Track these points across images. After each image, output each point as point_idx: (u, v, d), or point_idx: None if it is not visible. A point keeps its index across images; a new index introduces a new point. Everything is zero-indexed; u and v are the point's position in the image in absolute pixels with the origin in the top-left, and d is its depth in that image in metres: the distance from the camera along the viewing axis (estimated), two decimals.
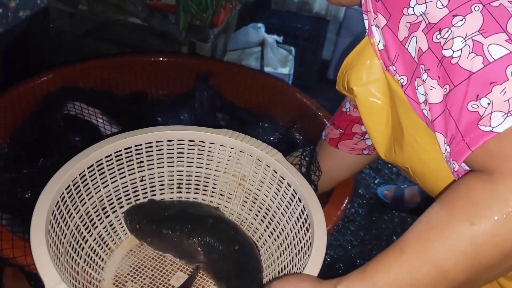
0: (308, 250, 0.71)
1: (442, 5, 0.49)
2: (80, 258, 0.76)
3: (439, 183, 0.63)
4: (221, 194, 0.93)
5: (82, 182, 0.77)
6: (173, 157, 0.89)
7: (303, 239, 0.74)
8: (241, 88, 1.38)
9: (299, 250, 0.75)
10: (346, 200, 1.01)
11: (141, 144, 0.85)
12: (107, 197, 0.84)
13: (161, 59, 1.38)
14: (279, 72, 1.93)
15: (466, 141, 0.47)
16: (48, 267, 0.59)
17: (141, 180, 0.88)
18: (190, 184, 0.93)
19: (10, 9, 0.50)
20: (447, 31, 0.48)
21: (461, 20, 0.48)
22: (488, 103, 0.45)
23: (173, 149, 0.88)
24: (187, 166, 0.91)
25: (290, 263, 0.77)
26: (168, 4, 1.52)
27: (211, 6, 1.44)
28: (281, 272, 0.78)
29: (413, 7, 0.52)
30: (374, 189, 1.99)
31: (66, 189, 0.73)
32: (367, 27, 0.60)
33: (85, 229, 0.79)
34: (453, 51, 0.48)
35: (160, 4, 1.52)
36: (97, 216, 0.82)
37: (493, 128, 0.45)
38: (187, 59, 1.44)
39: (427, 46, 0.50)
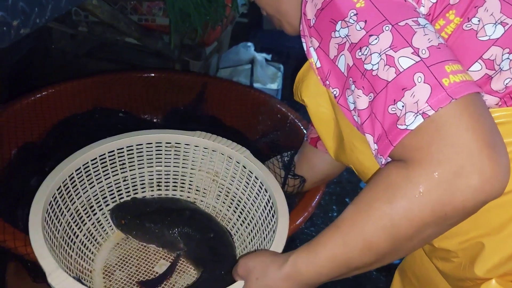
0: (274, 233, 0.81)
1: (360, 28, 0.58)
2: (73, 251, 0.85)
3: None
4: (197, 190, 1.03)
5: (71, 184, 0.86)
6: (152, 158, 0.99)
7: (270, 224, 0.85)
8: (231, 101, 1.47)
9: (266, 234, 0.85)
10: (321, 190, 1.10)
11: (123, 148, 0.94)
12: (94, 196, 0.93)
13: (152, 75, 1.47)
14: (268, 88, 2.04)
15: (389, 139, 0.55)
16: (46, 256, 0.68)
17: (124, 180, 0.98)
18: (169, 182, 1.02)
19: (13, 27, 0.58)
20: (366, 49, 0.57)
21: (376, 39, 0.56)
22: (403, 106, 0.53)
23: (152, 151, 0.98)
24: (165, 166, 1.00)
25: (260, 246, 0.87)
26: (162, 24, 1.63)
27: (200, 27, 1.54)
28: None
29: (338, 31, 0.60)
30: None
31: (57, 190, 0.82)
32: (305, 49, 0.69)
33: (76, 225, 0.88)
34: (372, 64, 0.56)
35: (155, 25, 1.63)
36: (86, 214, 0.91)
37: (407, 126, 0.53)
38: (177, 75, 1.53)
39: (352, 62, 0.59)
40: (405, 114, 0.53)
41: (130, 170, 0.98)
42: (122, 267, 0.90)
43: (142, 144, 0.96)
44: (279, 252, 0.72)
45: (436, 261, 0.75)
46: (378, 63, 0.56)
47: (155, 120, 1.44)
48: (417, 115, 0.53)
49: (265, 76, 2.08)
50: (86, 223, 0.91)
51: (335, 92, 0.66)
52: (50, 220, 0.79)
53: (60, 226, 0.83)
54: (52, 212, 0.80)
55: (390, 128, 0.55)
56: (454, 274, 0.72)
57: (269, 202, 0.87)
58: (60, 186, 0.83)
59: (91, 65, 1.70)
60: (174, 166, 1.01)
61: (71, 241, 0.85)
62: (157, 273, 0.90)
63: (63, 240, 0.83)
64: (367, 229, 0.56)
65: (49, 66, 1.66)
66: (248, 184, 0.94)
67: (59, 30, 1.63)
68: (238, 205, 0.97)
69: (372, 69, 0.56)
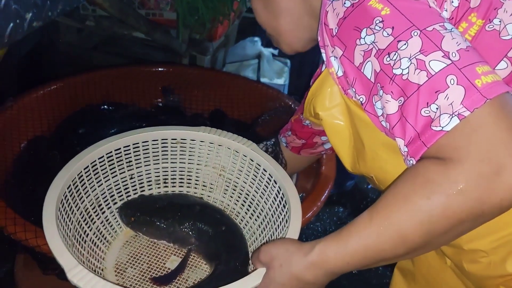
0: (286, 222, 0.81)
1: (388, 34, 0.59)
2: (84, 250, 0.84)
3: None
4: (204, 185, 1.03)
5: (80, 182, 0.86)
6: (158, 155, 0.99)
7: (281, 215, 0.85)
8: (238, 95, 1.48)
9: (278, 225, 0.86)
10: (329, 185, 1.11)
11: (129, 145, 0.94)
12: (102, 195, 0.92)
13: (160, 69, 1.47)
14: (275, 83, 2.05)
15: (422, 140, 0.56)
16: (65, 253, 0.68)
17: (131, 178, 0.97)
18: (175, 178, 1.02)
19: (26, 20, 0.59)
20: (395, 54, 0.58)
21: (405, 44, 0.57)
22: (437, 108, 0.54)
23: (158, 147, 0.98)
24: (171, 162, 1.00)
25: (271, 238, 0.87)
26: (169, 19, 1.63)
27: (208, 21, 1.54)
28: None
29: (364, 38, 0.61)
30: (370, 194, 2.11)
31: (67, 188, 0.82)
32: (325, 59, 0.70)
33: (86, 224, 0.87)
34: (402, 69, 0.57)
35: (162, 19, 1.63)
36: (94, 212, 0.90)
37: (442, 127, 0.54)
38: (185, 69, 1.54)
39: (379, 68, 0.60)
40: (439, 116, 0.54)
41: (136, 168, 0.97)
42: (134, 264, 0.90)
43: (148, 141, 0.96)
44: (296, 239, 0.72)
45: (462, 264, 0.75)
46: (408, 67, 0.57)
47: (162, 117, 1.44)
48: (452, 117, 0.54)
49: (271, 71, 2.08)
50: (95, 222, 0.90)
51: (361, 99, 0.66)
52: (62, 218, 0.78)
53: (71, 224, 0.82)
54: (64, 210, 0.80)
55: (423, 130, 0.56)
56: (481, 274, 0.73)
57: (279, 194, 0.88)
58: (70, 185, 0.83)
59: (98, 59, 1.69)
60: (180, 162, 1.01)
61: (82, 240, 0.85)
62: (169, 269, 0.90)
63: (74, 239, 0.82)
64: (403, 222, 0.56)
65: (56, 60, 1.65)
66: (256, 177, 0.94)
67: (66, 24, 1.63)
68: (247, 199, 0.97)
69: (402, 73, 0.57)
